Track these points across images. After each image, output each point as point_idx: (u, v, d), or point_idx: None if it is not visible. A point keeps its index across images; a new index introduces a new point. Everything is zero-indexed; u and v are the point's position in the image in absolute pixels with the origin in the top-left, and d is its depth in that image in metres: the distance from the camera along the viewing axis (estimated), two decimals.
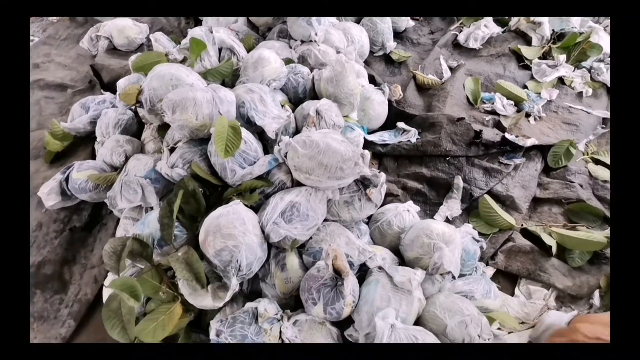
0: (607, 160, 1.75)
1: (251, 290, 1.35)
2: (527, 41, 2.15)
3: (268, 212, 1.24)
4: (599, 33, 2.07)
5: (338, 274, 1.12)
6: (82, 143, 1.86)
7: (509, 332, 1.41)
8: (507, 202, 1.64)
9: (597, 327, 1.26)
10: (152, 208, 1.41)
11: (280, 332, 1.17)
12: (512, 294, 1.49)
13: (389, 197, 1.63)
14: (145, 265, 1.24)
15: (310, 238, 1.31)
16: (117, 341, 1.10)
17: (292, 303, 1.29)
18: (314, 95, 1.71)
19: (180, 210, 1.29)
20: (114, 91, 1.93)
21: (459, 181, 1.64)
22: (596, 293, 1.46)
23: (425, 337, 1.07)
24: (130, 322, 1.10)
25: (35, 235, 1.60)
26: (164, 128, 1.62)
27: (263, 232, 1.24)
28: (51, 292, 1.50)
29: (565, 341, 1.23)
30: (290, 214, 1.23)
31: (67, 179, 1.59)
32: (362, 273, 1.29)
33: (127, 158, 1.59)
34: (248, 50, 1.84)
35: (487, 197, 1.58)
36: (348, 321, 1.23)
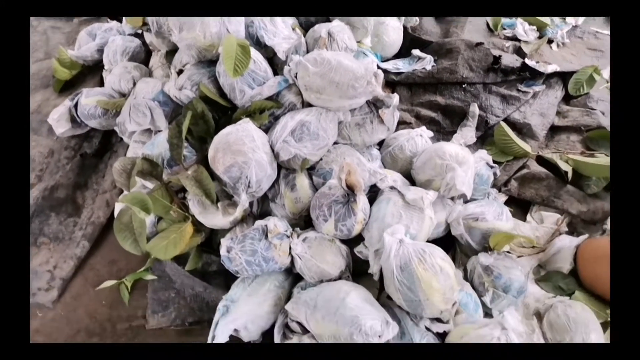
0: None
1: (261, 212, 1.36)
2: None
3: (278, 131, 1.22)
4: None
5: (351, 189, 1.11)
6: (90, 72, 1.84)
7: (519, 256, 1.42)
8: (523, 130, 1.59)
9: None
10: (161, 131, 1.40)
11: (290, 248, 1.19)
12: (524, 221, 1.48)
13: (402, 125, 1.59)
14: (155, 184, 1.25)
15: (321, 159, 1.29)
16: (123, 342, 1.16)
17: (301, 224, 1.30)
18: (326, 18, 1.64)
19: (190, 131, 1.29)
20: (120, 19, 1.88)
21: (474, 108, 1.59)
22: (609, 219, 1.44)
23: (434, 250, 1.07)
24: (142, 234, 1.12)
25: (47, 162, 1.61)
26: (171, 54, 1.58)
27: (273, 150, 1.23)
28: (65, 215, 1.53)
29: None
30: (300, 133, 1.21)
31: (76, 106, 1.59)
32: (373, 194, 1.28)
33: (135, 84, 1.57)
34: None
35: (503, 124, 1.53)
36: (356, 240, 1.24)
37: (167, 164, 1.28)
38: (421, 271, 1.02)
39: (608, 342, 1.16)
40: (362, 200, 1.14)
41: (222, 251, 1.19)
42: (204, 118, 1.30)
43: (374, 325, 1.01)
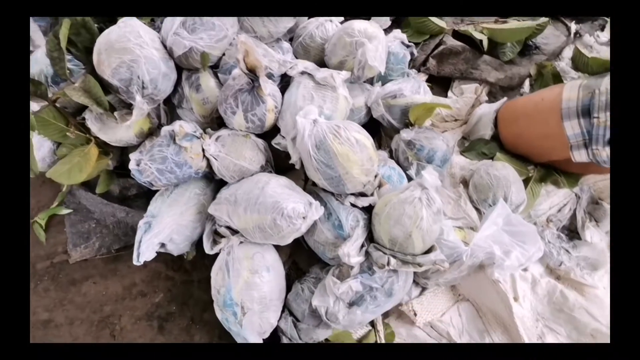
0: None
1: (170, 122, 1.27)
2: None
3: (166, 25, 1.11)
4: None
5: (253, 72, 1.03)
6: None
7: (443, 131, 1.43)
8: None
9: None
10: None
11: (203, 150, 1.12)
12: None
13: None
14: (42, 104, 1.12)
15: (223, 54, 1.19)
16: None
17: (214, 127, 1.23)
18: None
19: (72, 43, 1.14)
20: None
21: None
22: (526, 82, 1.46)
23: (349, 125, 1.04)
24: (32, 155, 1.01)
25: None
26: None
27: (165, 48, 1.12)
28: None
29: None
30: (192, 23, 1.09)
31: None
32: (285, 85, 1.22)
33: None
34: None
35: None
36: (274, 134, 1.18)
37: (52, 81, 1.15)
38: (337, 146, 0.98)
39: (525, 199, 1.20)
40: (268, 84, 1.08)
41: (132, 165, 1.10)
42: (86, 26, 1.15)
43: (296, 208, 0.98)
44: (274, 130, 1.18)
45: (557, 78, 1.43)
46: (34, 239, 1.26)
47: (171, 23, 1.10)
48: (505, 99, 1.36)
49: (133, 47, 1.03)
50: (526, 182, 1.27)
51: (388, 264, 0.97)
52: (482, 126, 1.36)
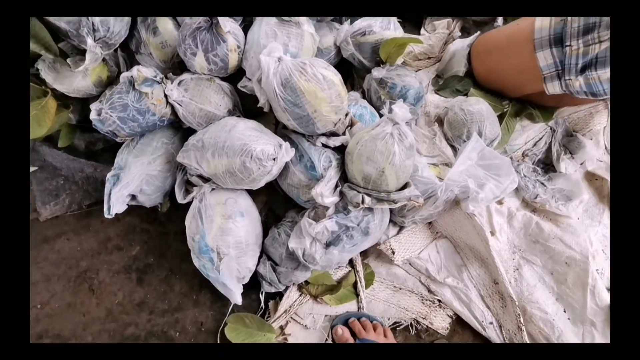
0: None
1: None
2: None
3: None
4: None
5: None
6: None
7: (417, 71, 1.39)
8: None
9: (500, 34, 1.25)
10: None
11: (166, 96, 1.07)
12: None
13: None
14: None
15: None
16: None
17: (177, 72, 1.17)
18: None
19: None
20: None
21: None
22: (500, 17, 1.42)
23: (315, 62, 0.99)
24: None
25: None
26: None
27: None
28: None
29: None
30: None
31: None
32: (247, 24, 1.16)
33: None
34: None
35: None
36: (239, 76, 1.14)
37: None
38: (303, 83, 0.94)
39: (499, 133, 1.19)
40: (227, 22, 1.02)
41: (92, 115, 1.05)
42: None
43: (266, 149, 0.95)
44: (240, 72, 1.14)
45: None
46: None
47: None
48: (478, 33, 1.33)
49: None
50: (501, 117, 1.25)
51: (363, 202, 0.96)
52: (456, 63, 1.33)
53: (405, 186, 0.99)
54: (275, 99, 0.97)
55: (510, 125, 1.25)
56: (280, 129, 1.13)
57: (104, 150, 1.25)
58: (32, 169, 1.22)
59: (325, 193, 0.97)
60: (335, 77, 0.99)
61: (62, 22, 0.96)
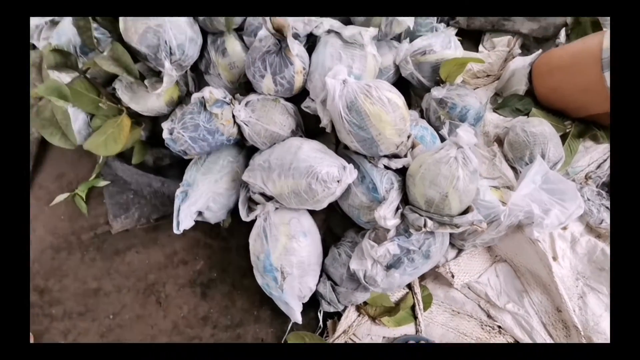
0: None
1: (198, 90, 1.26)
2: None
3: None
4: None
5: (279, 32, 1.00)
6: None
7: (475, 88, 1.38)
8: None
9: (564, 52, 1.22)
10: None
11: (234, 116, 1.11)
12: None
13: None
14: (73, 75, 1.12)
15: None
16: (123, 341, 1.15)
17: (242, 92, 1.22)
18: None
19: None
20: None
21: None
22: (562, 32, 1.38)
23: (379, 84, 1.01)
24: (68, 126, 1.03)
25: None
26: None
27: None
28: None
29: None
30: None
31: None
32: (312, 45, 1.19)
33: None
34: None
35: None
36: (303, 97, 1.17)
37: (81, 51, 1.14)
38: (369, 106, 0.96)
39: (562, 156, 1.17)
40: (295, 45, 1.05)
41: (165, 134, 1.11)
42: None
43: (331, 172, 0.98)
44: (303, 93, 1.17)
45: (597, 26, 1.34)
46: (76, 211, 1.30)
47: None
48: (540, 51, 1.30)
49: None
50: (563, 138, 1.23)
51: (425, 225, 0.96)
52: (516, 81, 1.30)
53: (467, 210, 0.99)
54: (340, 121, 1.00)
55: (573, 147, 1.22)
56: (341, 149, 1.15)
57: (171, 165, 1.31)
58: (104, 183, 1.29)
59: (387, 216, 0.98)
60: (399, 100, 1.01)
61: (142, 46, 1.03)
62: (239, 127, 1.13)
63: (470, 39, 1.44)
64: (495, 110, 1.32)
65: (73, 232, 1.29)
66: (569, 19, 1.38)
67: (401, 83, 1.29)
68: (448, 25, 1.40)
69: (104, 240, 1.27)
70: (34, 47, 1.40)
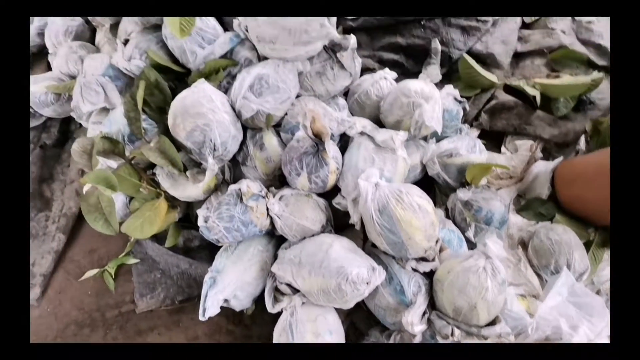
0: None
1: (234, 178, 1.32)
2: None
3: (236, 88, 1.17)
4: None
5: (318, 137, 1.07)
6: (36, 59, 1.73)
7: (498, 189, 1.42)
8: (487, 61, 1.56)
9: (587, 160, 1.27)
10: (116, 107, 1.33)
11: (267, 209, 1.16)
12: (499, 153, 1.47)
13: (365, 72, 1.54)
14: (119, 162, 1.19)
15: (286, 114, 1.24)
16: (124, 341, 1.17)
17: (276, 184, 1.27)
18: None
19: (146, 103, 1.22)
20: None
21: (436, 44, 1.54)
22: (582, 138, 1.45)
23: (410, 189, 1.06)
24: (112, 213, 1.08)
25: None
26: (116, 27, 1.49)
27: (234, 110, 1.18)
28: (35, 211, 1.47)
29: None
30: (259, 87, 1.15)
31: None
32: (344, 143, 1.26)
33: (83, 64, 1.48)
34: None
35: (466, 56, 1.49)
36: (334, 192, 1.22)
37: (128, 139, 1.22)
38: (400, 211, 1.00)
39: (588, 266, 1.18)
40: (331, 147, 1.11)
41: (200, 222, 1.15)
42: (159, 87, 1.24)
43: (360, 273, 1.00)
44: (334, 188, 1.22)
45: None
46: (103, 287, 1.32)
47: (240, 87, 1.16)
48: (561, 158, 1.35)
49: (206, 112, 1.09)
50: (587, 245, 1.24)
51: (452, 334, 0.97)
52: (539, 185, 1.35)
53: (495, 320, 1.00)
54: (372, 223, 1.03)
55: (597, 255, 1.24)
56: (368, 246, 1.18)
57: (200, 247, 1.34)
58: (134, 261, 1.32)
59: (415, 321, 0.99)
60: (429, 206, 1.05)
61: (188, 142, 1.10)
62: (271, 219, 1.17)
63: (493, 139, 1.50)
64: (518, 212, 1.35)
65: (98, 309, 1.31)
66: (588, 127, 1.45)
67: (427, 180, 1.34)
68: (471, 125, 1.47)
69: (127, 319, 1.28)
70: (81, 125, 1.50)
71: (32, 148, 1.56)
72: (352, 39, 1.24)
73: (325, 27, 1.15)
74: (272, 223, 1.18)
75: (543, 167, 1.36)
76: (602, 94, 1.50)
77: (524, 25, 1.64)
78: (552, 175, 1.33)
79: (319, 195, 1.21)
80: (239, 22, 1.22)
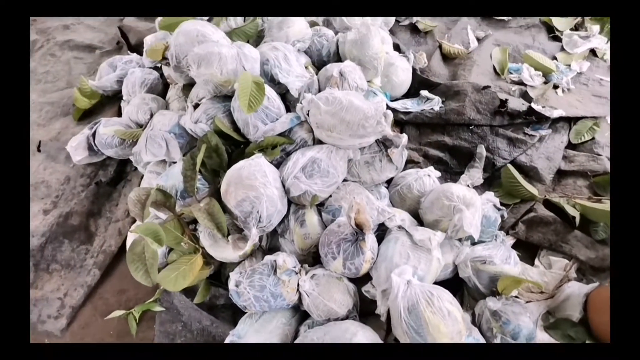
0: None
1: (270, 247, 1.37)
2: None
3: (289, 167, 1.25)
4: None
5: (360, 228, 1.12)
6: (109, 102, 1.90)
7: (527, 302, 1.41)
8: (530, 173, 1.61)
9: None
10: (175, 162, 1.44)
11: (298, 285, 1.19)
12: (532, 265, 1.47)
13: (410, 164, 1.62)
14: (168, 215, 1.26)
15: (330, 196, 1.31)
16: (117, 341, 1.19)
17: (309, 260, 1.31)
18: (338, 58, 1.69)
19: (203, 164, 1.32)
20: (140, 53, 1.95)
21: (482, 150, 1.61)
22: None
23: (442, 293, 1.07)
24: (154, 266, 1.13)
25: (62, 189, 1.65)
26: (188, 88, 1.64)
27: (284, 186, 1.25)
28: (78, 243, 1.54)
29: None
30: (311, 169, 1.23)
31: (94, 135, 1.64)
32: (381, 233, 1.30)
33: (152, 116, 1.61)
34: None
35: (510, 166, 1.55)
36: (364, 279, 1.24)
37: (180, 195, 1.30)
38: (429, 314, 1.02)
39: None
40: (370, 239, 1.16)
41: (231, 285, 1.19)
42: (218, 151, 1.34)
43: None
44: (365, 275, 1.24)
45: None
46: (125, 329, 1.35)
47: (293, 166, 1.24)
48: (597, 283, 1.34)
49: (258, 186, 1.17)
50: None
51: None
52: (570, 306, 1.33)
53: None
54: (399, 320, 1.05)
55: None
56: (391, 339, 1.18)
57: (224, 306, 1.37)
58: (159, 309, 1.36)
59: None
60: (459, 314, 1.06)
61: (236, 210, 1.16)
62: (300, 294, 1.20)
63: (527, 249, 1.51)
64: (546, 329, 1.33)
65: None
66: None
67: (457, 280, 1.35)
68: (507, 233, 1.49)
69: None
70: (136, 169, 1.61)
71: (88, 183, 1.67)
72: (404, 138, 1.32)
73: (380, 125, 1.24)
74: (300, 298, 1.21)
75: (577, 289, 1.34)
76: None
77: (570, 145, 1.70)
78: (585, 299, 1.31)
79: (350, 279, 1.24)
80: (301, 105, 1.33)
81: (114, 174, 1.70)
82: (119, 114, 1.83)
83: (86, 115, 1.88)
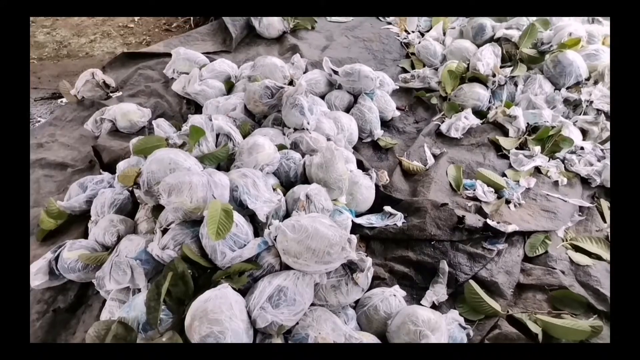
0: (587, 247, 1.80)
1: None
2: (505, 132, 2.33)
3: (256, 297, 1.26)
4: (569, 127, 2.24)
5: None
6: (76, 221, 1.88)
7: None
8: (491, 288, 1.66)
9: None
10: (139, 290, 1.41)
11: None
12: None
13: (376, 281, 1.64)
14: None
15: (297, 323, 1.30)
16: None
17: None
18: (305, 179, 1.79)
19: (168, 292, 1.30)
20: (113, 171, 1.98)
21: (444, 266, 1.67)
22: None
23: None
24: None
25: None
26: (158, 209, 1.66)
27: (250, 317, 1.24)
28: None
29: None
30: (277, 299, 1.24)
31: (56, 258, 1.60)
32: None
33: (119, 238, 1.61)
34: (244, 136, 1.95)
35: (472, 282, 1.60)
36: None
37: (142, 327, 1.26)
38: None
39: None
40: None
41: None
42: (184, 279, 1.33)
43: None
44: None
45: None
46: None
47: (260, 296, 1.25)
48: None
49: (224, 320, 1.16)
50: None
51: None
52: None
53: None
54: None
55: None
56: None
57: None
58: None
59: None
60: None
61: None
62: None
63: None
64: None
65: None
66: None
67: None
68: None
69: None
70: (97, 292, 1.56)
71: (45, 310, 1.59)
72: (368, 262, 1.37)
73: (345, 251, 1.29)
74: None
75: None
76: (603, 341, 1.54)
77: (527, 258, 1.78)
78: None
79: None
80: (269, 231, 1.38)
81: (74, 299, 1.63)
82: (85, 234, 1.81)
83: (50, 235, 1.85)
